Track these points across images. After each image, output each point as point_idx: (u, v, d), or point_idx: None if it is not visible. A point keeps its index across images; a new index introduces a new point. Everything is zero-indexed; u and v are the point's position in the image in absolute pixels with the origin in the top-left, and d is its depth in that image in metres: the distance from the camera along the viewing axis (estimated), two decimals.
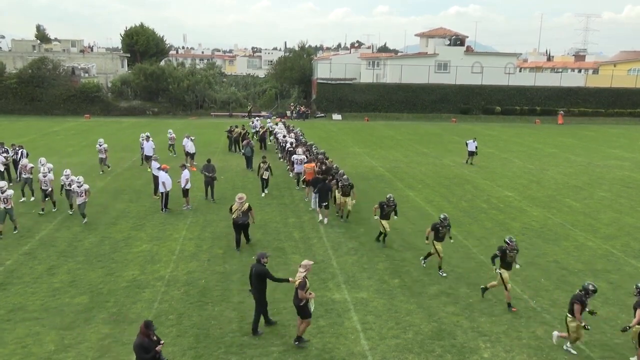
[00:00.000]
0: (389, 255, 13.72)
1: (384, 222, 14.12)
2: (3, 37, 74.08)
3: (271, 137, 32.42)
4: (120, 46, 71.68)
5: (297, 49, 67.23)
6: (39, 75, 47.04)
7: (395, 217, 14.50)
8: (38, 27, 79.48)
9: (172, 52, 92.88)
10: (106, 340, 9.31)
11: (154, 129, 35.45)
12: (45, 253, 13.40)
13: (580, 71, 73.88)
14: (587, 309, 9.06)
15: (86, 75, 52.90)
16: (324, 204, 16.14)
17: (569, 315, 9.04)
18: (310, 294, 9.04)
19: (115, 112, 48.94)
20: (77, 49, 65.36)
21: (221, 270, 12.52)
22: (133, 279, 11.89)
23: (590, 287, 8.97)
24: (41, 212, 16.52)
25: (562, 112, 50.07)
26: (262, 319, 9.79)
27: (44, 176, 16.52)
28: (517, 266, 11.03)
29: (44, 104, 47.32)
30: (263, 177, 19.45)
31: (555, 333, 9.55)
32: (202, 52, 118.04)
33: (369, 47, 78.77)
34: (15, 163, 20.76)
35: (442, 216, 12.43)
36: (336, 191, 16.94)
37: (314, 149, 22.88)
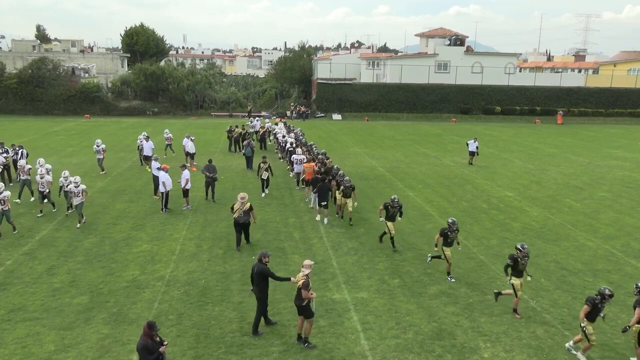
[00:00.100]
0: (389, 255, 13.72)
1: (389, 223, 13.89)
2: (3, 37, 74.07)
3: (271, 137, 32.44)
4: (120, 46, 71.69)
5: (297, 49, 67.28)
6: (39, 75, 47.04)
7: (400, 218, 14.23)
8: (38, 27, 79.57)
9: (172, 52, 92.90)
10: (106, 340, 9.30)
11: (154, 129, 35.46)
12: (45, 253, 13.40)
13: (580, 71, 73.90)
14: (601, 314, 8.85)
15: (86, 75, 52.92)
16: (323, 203, 16.14)
17: (585, 319, 8.83)
18: (312, 294, 9.05)
19: (115, 112, 48.94)
20: (77, 49, 65.39)
21: (221, 270, 12.52)
22: (133, 279, 11.89)
23: (607, 292, 8.75)
24: (39, 215, 16.47)
25: (561, 112, 50.08)
26: (262, 319, 9.79)
27: (42, 177, 16.38)
28: (529, 278, 10.77)
29: (44, 104, 47.33)
30: (262, 177, 19.44)
31: (568, 344, 9.30)
32: (202, 52, 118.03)
33: (369, 47, 78.69)
34: (15, 163, 20.72)
35: (450, 221, 12.04)
36: (336, 192, 16.92)
37: (314, 149, 22.89)
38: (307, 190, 18.88)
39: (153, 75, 50.34)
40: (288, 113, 51.73)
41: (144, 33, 65.82)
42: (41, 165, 17.17)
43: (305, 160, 20.31)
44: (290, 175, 22.73)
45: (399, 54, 79.43)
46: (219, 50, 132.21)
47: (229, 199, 18.35)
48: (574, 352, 9.18)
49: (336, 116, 50.00)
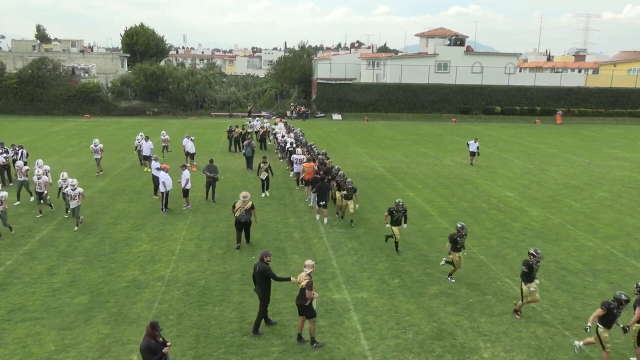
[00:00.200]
0: (389, 255, 13.71)
1: (394, 228, 13.61)
2: (3, 37, 74.10)
3: (270, 137, 32.45)
4: (120, 46, 71.70)
5: (297, 49, 67.30)
6: (39, 76, 47.05)
7: (405, 224, 13.84)
8: (38, 27, 79.58)
9: (172, 52, 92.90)
10: (106, 340, 9.31)
11: (154, 129, 35.44)
12: (45, 253, 13.40)
13: (580, 71, 73.90)
14: (617, 322, 8.67)
15: (86, 75, 52.93)
16: (322, 203, 16.14)
17: (600, 325, 8.63)
18: (314, 294, 9.05)
19: (115, 112, 48.95)
20: (77, 49, 65.39)
21: (221, 270, 12.52)
22: (133, 279, 11.89)
23: (623, 297, 8.53)
24: (39, 215, 16.44)
25: (560, 112, 50.09)
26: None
27: (38, 178, 16.27)
28: (537, 281, 10.53)
29: (44, 104, 47.33)
30: (261, 177, 19.41)
31: (578, 343, 9.14)
32: (202, 52, 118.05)
33: (369, 47, 78.69)
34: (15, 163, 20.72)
35: (459, 225, 11.80)
36: (336, 192, 16.91)
37: (314, 149, 22.88)
38: (306, 190, 18.88)
39: (153, 75, 50.35)
40: (288, 113, 51.74)
41: (144, 33, 65.83)
42: (39, 167, 17.12)
43: (305, 160, 20.31)
44: (290, 175, 22.74)
45: (399, 54, 79.45)
46: (219, 50, 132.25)
47: (229, 199, 18.35)
48: (576, 351, 9.08)
49: (336, 116, 50.00)
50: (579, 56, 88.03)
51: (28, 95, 47.01)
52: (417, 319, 10.32)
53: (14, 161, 20.80)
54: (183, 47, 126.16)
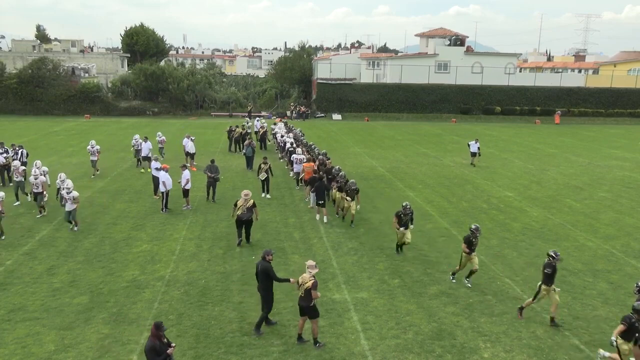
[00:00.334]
0: (389, 255, 13.72)
1: (404, 231, 13.42)
2: (3, 37, 74.12)
3: (270, 137, 32.44)
4: (120, 46, 71.71)
5: (297, 49, 67.30)
6: (39, 76, 47.07)
7: (411, 225, 13.69)
8: (38, 27, 79.61)
9: (172, 52, 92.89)
10: (106, 340, 9.30)
11: (154, 129, 35.43)
12: (45, 253, 13.40)
13: (580, 71, 73.94)
14: None
15: (86, 75, 52.94)
16: (320, 202, 16.15)
17: (619, 337, 8.37)
18: (318, 294, 9.06)
19: (115, 112, 48.96)
20: (77, 49, 65.41)
21: (221, 270, 12.52)
22: (133, 279, 11.89)
23: None
24: (39, 216, 16.43)
25: (559, 112, 50.10)
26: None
27: (35, 178, 16.22)
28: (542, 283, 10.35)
29: (44, 104, 47.35)
30: (261, 178, 19.38)
31: (602, 352, 8.86)
32: (202, 52, 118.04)
33: (369, 47, 78.71)
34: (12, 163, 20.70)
35: (473, 227, 11.59)
36: (336, 192, 16.90)
37: (314, 149, 22.88)
38: (306, 189, 18.87)
39: (153, 75, 50.36)
40: (288, 113, 51.74)
41: (144, 33, 65.84)
42: (37, 167, 17.06)
43: (305, 160, 20.31)
44: (290, 175, 22.74)
45: (399, 54, 79.46)
46: (219, 50, 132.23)
47: (229, 199, 18.35)
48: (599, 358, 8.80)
49: (336, 116, 50.01)
50: (579, 56, 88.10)
51: (28, 95, 47.02)
52: (417, 319, 10.32)
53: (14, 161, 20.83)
54: (183, 47, 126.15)
